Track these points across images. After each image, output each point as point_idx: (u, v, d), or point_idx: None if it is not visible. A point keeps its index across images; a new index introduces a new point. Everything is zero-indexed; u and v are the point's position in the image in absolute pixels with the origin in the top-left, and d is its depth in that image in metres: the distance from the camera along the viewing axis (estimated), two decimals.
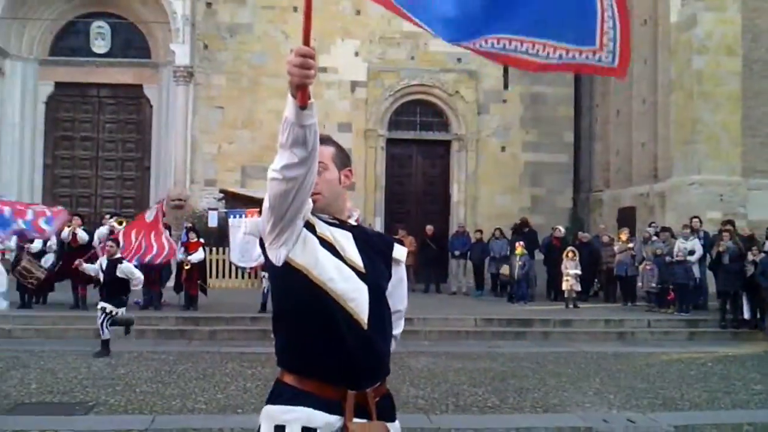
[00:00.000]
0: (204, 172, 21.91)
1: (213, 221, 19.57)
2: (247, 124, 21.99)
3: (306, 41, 2.26)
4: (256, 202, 15.15)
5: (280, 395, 2.47)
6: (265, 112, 21.38)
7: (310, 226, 2.47)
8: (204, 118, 21.98)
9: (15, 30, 21.86)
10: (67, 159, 22.87)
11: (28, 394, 8.31)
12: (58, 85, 22.63)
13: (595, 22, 2.73)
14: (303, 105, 2.20)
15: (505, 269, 18.09)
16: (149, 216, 14.89)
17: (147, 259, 13.91)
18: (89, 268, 11.65)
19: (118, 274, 10.67)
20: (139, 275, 10.98)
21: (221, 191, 21.16)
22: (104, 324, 10.62)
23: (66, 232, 15.02)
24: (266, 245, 2.49)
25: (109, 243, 11.26)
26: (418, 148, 23.47)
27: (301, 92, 2.19)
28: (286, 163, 2.28)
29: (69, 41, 22.90)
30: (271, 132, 20.39)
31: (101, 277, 11.02)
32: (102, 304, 10.70)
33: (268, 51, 21.92)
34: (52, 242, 14.89)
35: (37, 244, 14.54)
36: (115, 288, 10.77)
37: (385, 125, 22.90)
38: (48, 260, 14.49)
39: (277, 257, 2.45)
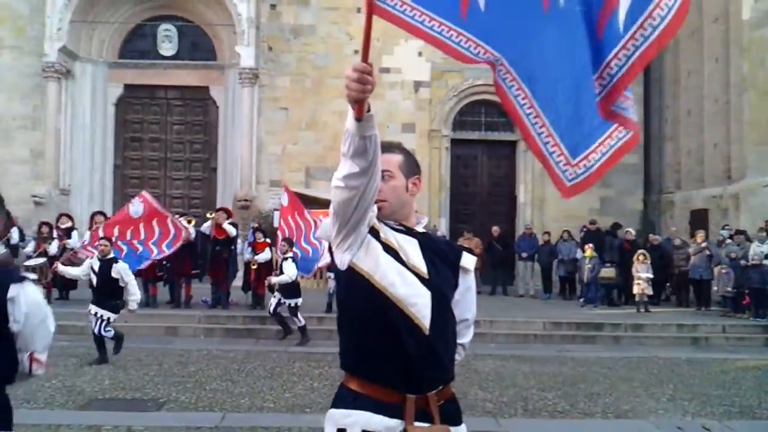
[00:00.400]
0: (269, 172, 22.07)
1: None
2: (311, 126, 22.07)
3: (365, 57, 2.33)
4: (321, 203, 15.19)
5: (342, 399, 2.52)
6: (329, 113, 21.43)
7: (374, 232, 2.51)
8: (269, 119, 22.15)
9: (85, 33, 22.35)
10: (136, 160, 23.29)
11: (101, 390, 8.48)
12: (127, 87, 23.03)
13: (592, 145, 2.82)
14: (359, 117, 2.26)
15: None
16: (135, 210, 14.44)
17: (153, 254, 13.76)
18: (67, 270, 11.41)
19: (113, 274, 10.30)
20: (132, 279, 10.54)
21: None
22: (102, 329, 10.23)
23: None
24: (333, 248, 2.54)
25: (103, 242, 10.84)
26: (484, 148, 23.26)
27: (358, 105, 2.24)
28: (347, 172, 2.35)
29: (137, 44, 23.32)
30: (335, 133, 20.45)
31: (93, 279, 10.60)
32: (94, 308, 10.29)
33: (332, 52, 22.00)
34: None
35: None
36: (108, 291, 10.38)
37: (450, 126, 22.79)
38: None
39: (342, 261, 2.51)
